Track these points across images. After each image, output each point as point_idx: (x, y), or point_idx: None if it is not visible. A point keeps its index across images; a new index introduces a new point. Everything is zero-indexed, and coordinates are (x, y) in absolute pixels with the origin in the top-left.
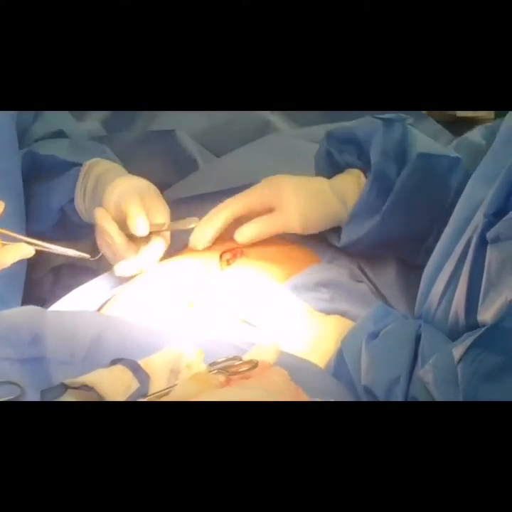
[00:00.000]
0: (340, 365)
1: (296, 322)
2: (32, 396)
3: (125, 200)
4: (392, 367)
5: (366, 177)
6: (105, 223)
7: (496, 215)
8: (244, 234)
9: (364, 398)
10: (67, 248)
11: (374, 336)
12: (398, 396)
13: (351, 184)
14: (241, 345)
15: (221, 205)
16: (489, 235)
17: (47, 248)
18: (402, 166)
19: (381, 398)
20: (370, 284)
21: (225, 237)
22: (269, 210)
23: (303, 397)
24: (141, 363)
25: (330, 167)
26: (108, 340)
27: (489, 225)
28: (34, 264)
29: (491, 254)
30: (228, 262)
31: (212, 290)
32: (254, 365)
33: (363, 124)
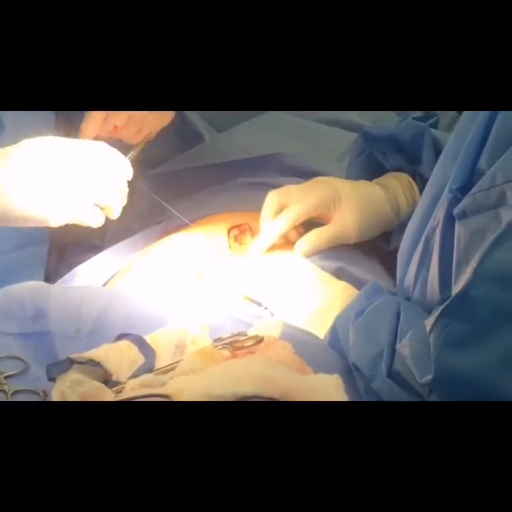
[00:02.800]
0: (334, 340)
1: (306, 281)
2: (36, 371)
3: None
4: (375, 343)
5: (415, 181)
6: None
7: (460, 191)
8: (303, 248)
9: (354, 374)
10: None
11: (360, 313)
12: (382, 371)
13: (404, 192)
14: (246, 319)
15: (283, 214)
16: (456, 211)
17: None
18: None
19: (366, 374)
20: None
21: (236, 215)
22: (325, 216)
23: (307, 370)
24: (147, 338)
25: (367, 167)
26: (114, 315)
27: (455, 200)
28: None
29: (460, 230)
30: (236, 239)
31: (221, 266)
32: (259, 340)
33: (405, 127)
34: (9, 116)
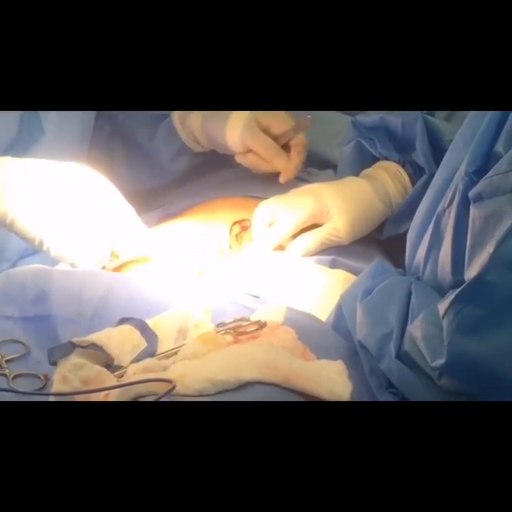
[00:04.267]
0: (339, 319)
1: (301, 275)
2: (38, 355)
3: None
4: (384, 322)
5: (405, 169)
6: (260, 137)
7: (476, 174)
8: (294, 253)
9: (360, 353)
10: None
11: (369, 292)
12: (391, 351)
13: (393, 183)
14: (249, 304)
15: (273, 230)
16: (471, 194)
17: None
18: None
19: (374, 353)
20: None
21: (236, 204)
22: (315, 225)
23: (310, 356)
24: (149, 322)
25: (357, 156)
26: (116, 299)
27: (471, 183)
28: None
29: (475, 213)
30: (237, 237)
31: (220, 264)
32: (262, 325)
33: (399, 116)
34: (50, 123)
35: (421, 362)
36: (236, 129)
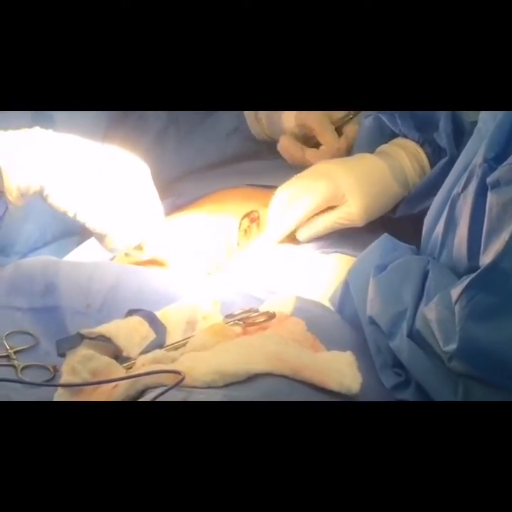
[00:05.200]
0: (345, 295)
1: (297, 264)
2: (46, 346)
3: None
4: (399, 300)
5: (423, 148)
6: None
7: (495, 160)
8: (305, 234)
9: (367, 329)
10: None
11: (382, 268)
12: (403, 329)
13: (411, 162)
14: (258, 294)
15: (287, 218)
16: (489, 180)
17: None
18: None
19: (385, 330)
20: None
21: (244, 195)
22: (329, 208)
23: (319, 347)
24: (158, 314)
25: (376, 131)
26: (124, 290)
27: (489, 169)
28: None
29: (492, 199)
30: (246, 232)
31: (230, 264)
32: (271, 316)
33: None
34: (62, 118)
35: (433, 343)
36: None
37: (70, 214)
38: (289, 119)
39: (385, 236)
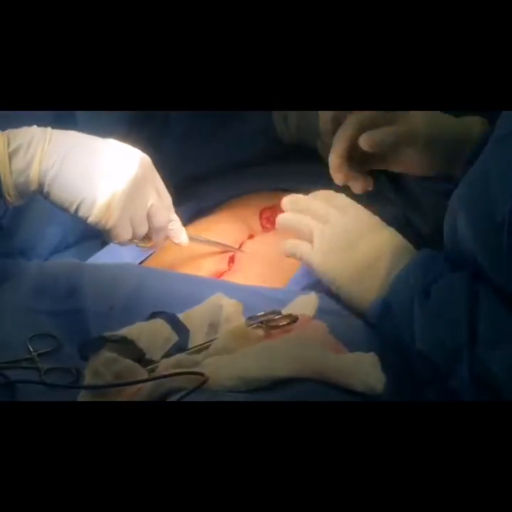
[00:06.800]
0: (386, 317)
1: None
2: (69, 349)
3: None
4: (452, 335)
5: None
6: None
7: None
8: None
9: (416, 362)
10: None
11: (426, 293)
12: (464, 373)
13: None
14: (280, 296)
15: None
16: None
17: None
18: None
19: (442, 370)
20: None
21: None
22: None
23: (342, 350)
24: (181, 316)
25: None
26: (147, 293)
27: None
28: None
29: None
30: (268, 220)
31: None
32: (294, 319)
33: None
34: (84, 119)
35: (503, 388)
36: None
37: (72, 210)
38: (326, 116)
39: (424, 250)
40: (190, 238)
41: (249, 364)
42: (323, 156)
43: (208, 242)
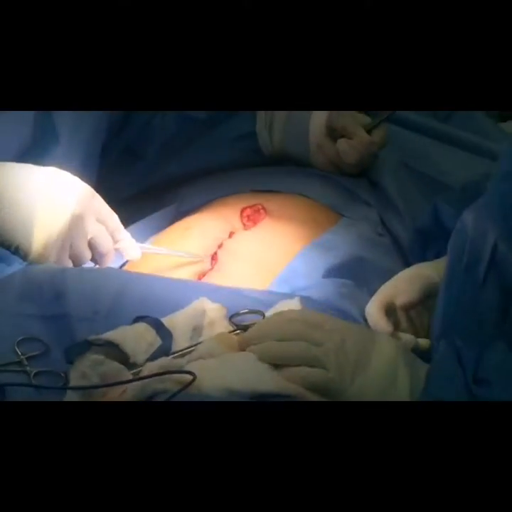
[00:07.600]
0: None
1: None
2: (57, 353)
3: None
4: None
5: None
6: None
7: None
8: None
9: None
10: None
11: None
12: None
13: None
14: (264, 298)
15: None
16: None
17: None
18: None
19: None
20: (390, 236)
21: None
22: None
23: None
24: (164, 320)
25: None
26: (131, 297)
27: None
28: None
29: None
30: (249, 218)
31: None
32: None
33: None
34: (65, 132)
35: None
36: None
37: (11, 250)
38: (318, 123)
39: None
40: (148, 250)
41: (234, 377)
42: (317, 165)
43: (167, 253)
